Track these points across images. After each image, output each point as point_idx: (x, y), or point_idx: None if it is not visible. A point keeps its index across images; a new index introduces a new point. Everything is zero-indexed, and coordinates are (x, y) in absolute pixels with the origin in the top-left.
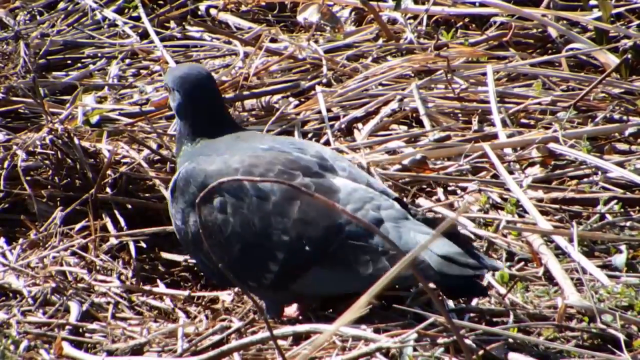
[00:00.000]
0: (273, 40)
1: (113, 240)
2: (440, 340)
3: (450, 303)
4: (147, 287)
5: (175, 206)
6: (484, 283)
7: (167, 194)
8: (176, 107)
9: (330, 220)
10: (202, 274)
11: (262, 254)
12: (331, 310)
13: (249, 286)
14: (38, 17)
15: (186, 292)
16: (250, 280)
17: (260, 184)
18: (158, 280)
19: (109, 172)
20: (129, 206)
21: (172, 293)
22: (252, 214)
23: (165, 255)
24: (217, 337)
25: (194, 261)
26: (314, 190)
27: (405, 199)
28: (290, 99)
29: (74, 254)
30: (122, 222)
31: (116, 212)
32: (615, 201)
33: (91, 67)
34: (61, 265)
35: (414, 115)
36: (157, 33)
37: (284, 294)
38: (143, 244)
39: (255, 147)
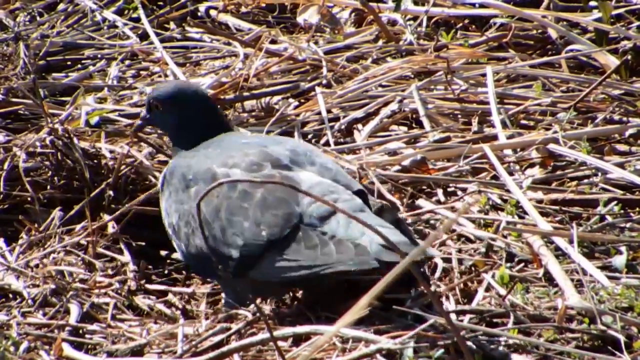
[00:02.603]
0: (273, 42)
1: (113, 240)
2: (440, 342)
3: (451, 304)
4: (147, 287)
5: (162, 197)
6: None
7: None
8: (173, 124)
9: (288, 207)
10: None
11: (225, 241)
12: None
13: (218, 276)
14: (38, 18)
15: (189, 290)
16: (218, 269)
17: (230, 174)
18: (159, 280)
19: (104, 171)
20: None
21: (174, 290)
22: (220, 202)
23: (164, 253)
24: (217, 338)
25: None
26: (277, 180)
27: (404, 200)
28: (290, 100)
29: (73, 254)
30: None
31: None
32: (615, 202)
33: (91, 68)
34: (61, 266)
35: (414, 116)
36: (157, 34)
37: (245, 282)
38: (143, 243)
39: (237, 141)
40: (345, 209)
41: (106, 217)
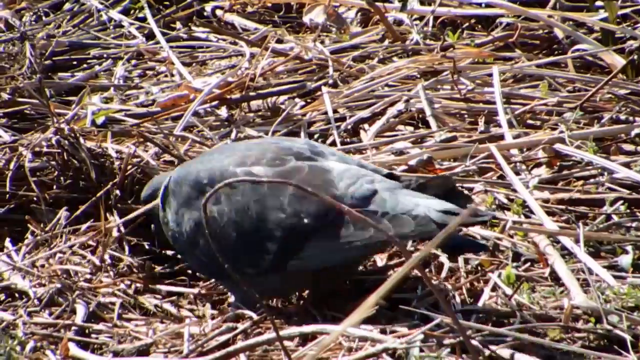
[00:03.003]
0: (279, 41)
1: (120, 240)
2: (446, 341)
3: (457, 304)
4: (153, 287)
5: (168, 210)
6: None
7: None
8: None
9: (327, 192)
10: (200, 274)
11: (260, 237)
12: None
13: (247, 274)
14: (44, 18)
15: (195, 290)
16: (248, 266)
17: (253, 172)
18: (166, 282)
19: (110, 171)
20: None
21: (180, 291)
22: (247, 199)
23: (171, 253)
24: (223, 338)
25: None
26: (307, 172)
27: None
28: (297, 99)
29: (79, 254)
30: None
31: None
32: (622, 202)
33: (97, 68)
34: (67, 265)
35: (420, 116)
36: (163, 34)
37: (279, 275)
38: (149, 243)
39: (241, 144)
40: (385, 188)
41: (112, 217)
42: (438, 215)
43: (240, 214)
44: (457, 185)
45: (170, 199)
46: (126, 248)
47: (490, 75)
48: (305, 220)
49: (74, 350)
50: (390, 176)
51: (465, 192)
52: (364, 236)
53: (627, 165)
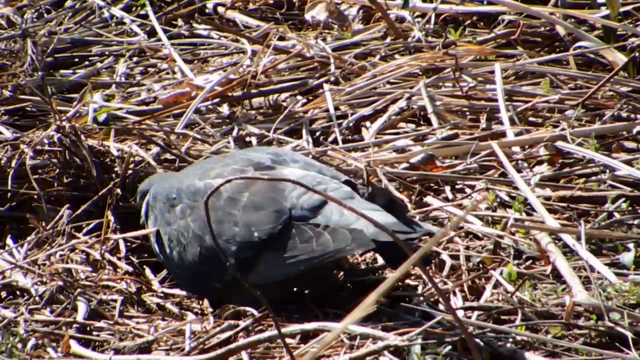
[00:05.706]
0: (281, 39)
1: (119, 238)
2: (448, 339)
3: (459, 301)
4: (154, 286)
5: (150, 225)
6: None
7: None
8: None
9: (275, 205)
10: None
11: (219, 250)
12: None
13: (214, 288)
14: (45, 15)
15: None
16: (215, 281)
17: (214, 185)
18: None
19: (117, 168)
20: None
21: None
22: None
23: None
24: (224, 335)
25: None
26: (261, 182)
27: (412, 197)
28: (298, 97)
29: (81, 252)
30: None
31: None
32: (623, 199)
33: (99, 65)
34: (68, 263)
35: (422, 113)
36: (165, 31)
37: (243, 289)
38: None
39: (215, 159)
40: (335, 197)
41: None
42: (374, 231)
43: (202, 229)
44: (395, 197)
45: (150, 212)
46: (126, 246)
47: (492, 72)
48: (255, 234)
49: (75, 347)
50: (349, 183)
51: (405, 200)
52: (307, 250)
53: (629, 162)
